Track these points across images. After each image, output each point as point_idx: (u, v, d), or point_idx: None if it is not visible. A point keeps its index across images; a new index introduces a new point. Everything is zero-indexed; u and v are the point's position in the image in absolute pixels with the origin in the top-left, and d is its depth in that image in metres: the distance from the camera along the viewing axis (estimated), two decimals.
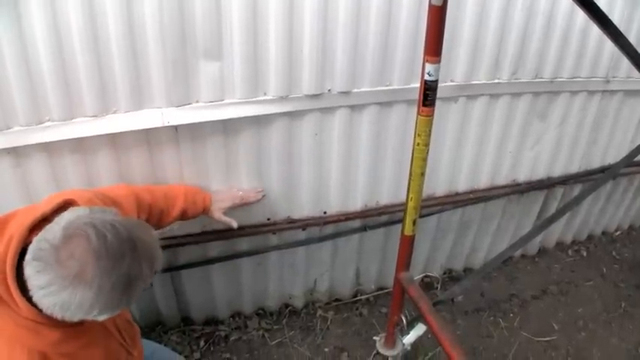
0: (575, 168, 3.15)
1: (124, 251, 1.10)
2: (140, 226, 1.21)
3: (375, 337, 2.34)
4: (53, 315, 1.10)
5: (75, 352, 1.24)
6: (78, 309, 1.08)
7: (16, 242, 1.12)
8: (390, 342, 2.24)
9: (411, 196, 1.80)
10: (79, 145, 1.92)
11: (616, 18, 2.49)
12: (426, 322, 1.94)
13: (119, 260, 1.09)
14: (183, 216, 2.01)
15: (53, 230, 1.10)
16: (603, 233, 3.90)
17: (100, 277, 1.07)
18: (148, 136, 2.00)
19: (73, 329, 1.22)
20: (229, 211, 2.20)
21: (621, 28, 1.57)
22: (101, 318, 1.14)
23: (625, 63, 2.69)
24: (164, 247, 2.27)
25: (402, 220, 1.93)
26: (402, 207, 2.00)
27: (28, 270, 1.08)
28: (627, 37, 1.61)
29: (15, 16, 1.60)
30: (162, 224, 1.95)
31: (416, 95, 1.61)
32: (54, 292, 1.06)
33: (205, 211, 2.12)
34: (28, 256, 1.09)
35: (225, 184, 2.24)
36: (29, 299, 1.09)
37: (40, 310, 1.11)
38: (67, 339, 1.21)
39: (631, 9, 2.54)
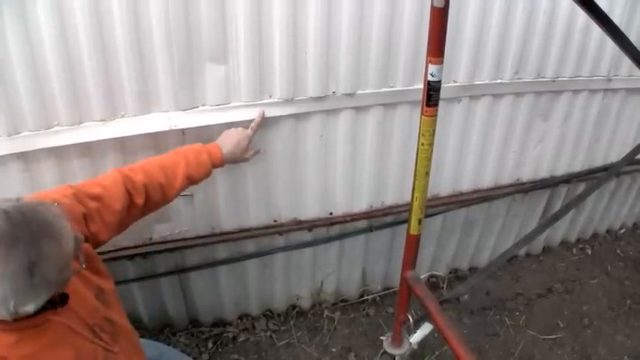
0: (578, 166, 3.15)
1: (18, 235, 1.06)
2: (39, 206, 1.15)
3: (382, 337, 2.36)
4: None
5: (36, 353, 1.22)
6: None
7: None
8: (397, 341, 2.26)
9: (416, 195, 1.82)
10: (88, 149, 1.95)
11: (616, 17, 2.50)
12: (432, 321, 1.96)
13: (13, 246, 1.06)
14: (192, 181, 1.84)
15: None
16: (608, 231, 3.90)
17: None
18: (156, 140, 2.02)
19: (30, 331, 1.21)
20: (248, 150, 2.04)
21: (622, 26, 1.59)
22: (29, 308, 1.11)
23: (626, 61, 2.68)
24: (171, 250, 2.31)
25: (407, 221, 1.95)
26: (407, 207, 2.02)
27: None
28: (628, 35, 1.63)
29: (22, 23, 1.63)
30: (169, 198, 1.81)
31: (419, 96, 1.63)
32: None
33: (218, 165, 1.91)
34: None
35: (232, 186, 2.26)
36: None
37: None
38: (24, 341, 1.19)
39: (631, 7, 2.55)
